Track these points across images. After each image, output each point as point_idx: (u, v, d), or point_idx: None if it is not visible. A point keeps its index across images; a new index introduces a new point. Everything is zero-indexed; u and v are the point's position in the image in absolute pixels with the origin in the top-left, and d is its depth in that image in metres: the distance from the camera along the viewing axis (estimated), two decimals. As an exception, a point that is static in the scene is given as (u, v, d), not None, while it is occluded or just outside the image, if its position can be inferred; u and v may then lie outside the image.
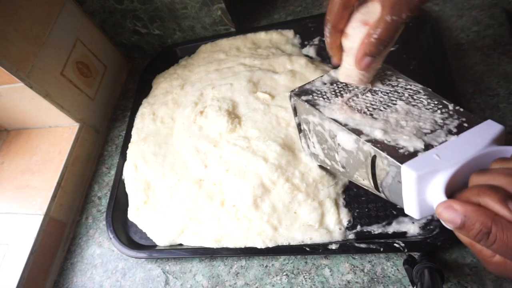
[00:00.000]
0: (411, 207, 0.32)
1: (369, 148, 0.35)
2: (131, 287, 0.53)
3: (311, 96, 0.41)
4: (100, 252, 0.58)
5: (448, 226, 0.27)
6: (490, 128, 0.31)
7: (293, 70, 0.60)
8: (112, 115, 0.76)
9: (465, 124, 0.33)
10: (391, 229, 0.45)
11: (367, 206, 0.48)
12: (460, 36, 0.58)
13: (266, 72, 0.61)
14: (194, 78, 0.67)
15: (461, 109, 0.34)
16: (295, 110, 0.44)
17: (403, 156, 0.32)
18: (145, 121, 0.65)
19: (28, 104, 0.63)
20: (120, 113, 0.75)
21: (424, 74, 0.55)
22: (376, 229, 0.46)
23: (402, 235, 0.45)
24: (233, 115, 0.57)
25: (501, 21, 0.56)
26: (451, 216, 0.26)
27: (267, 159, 0.51)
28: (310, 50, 0.65)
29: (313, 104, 0.40)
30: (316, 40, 0.66)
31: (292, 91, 0.42)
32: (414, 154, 0.32)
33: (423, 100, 0.36)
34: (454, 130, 0.33)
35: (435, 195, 0.29)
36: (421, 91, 0.37)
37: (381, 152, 0.33)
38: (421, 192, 0.30)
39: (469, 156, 0.29)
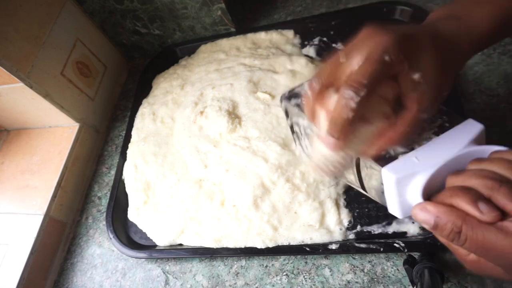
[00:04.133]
0: (393, 207, 0.33)
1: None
2: (131, 287, 0.53)
3: (300, 99, 0.42)
4: (100, 252, 0.58)
5: (425, 226, 0.28)
6: (470, 128, 0.32)
7: (293, 70, 0.60)
8: (112, 115, 0.76)
9: (447, 124, 0.34)
10: (391, 229, 0.45)
11: (367, 206, 0.48)
12: (460, 36, 0.58)
13: (266, 72, 0.61)
14: (194, 78, 0.67)
15: (444, 108, 0.35)
16: (286, 113, 0.45)
17: (384, 159, 0.33)
18: (145, 121, 0.65)
19: (28, 104, 0.63)
20: (120, 113, 0.75)
21: (424, 74, 0.55)
22: (376, 229, 0.46)
23: (402, 235, 0.45)
24: (233, 115, 0.57)
25: (501, 21, 0.56)
26: (425, 217, 0.27)
27: (267, 159, 0.51)
28: (310, 50, 0.65)
29: (302, 109, 0.41)
30: (316, 40, 0.66)
31: (282, 95, 0.43)
32: (394, 157, 0.33)
33: None
34: (436, 130, 0.33)
35: (414, 196, 0.30)
36: None
37: None
38: (401, 194, 0.31)
39: (447, 158, 0.30)
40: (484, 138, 0.33)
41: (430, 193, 0.30)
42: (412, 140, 0.33)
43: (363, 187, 0.39)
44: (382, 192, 0.34)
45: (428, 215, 0.27)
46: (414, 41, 0.29)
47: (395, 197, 0.32)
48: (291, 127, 0.47)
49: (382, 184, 0.33)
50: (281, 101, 0.44)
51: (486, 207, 0.25)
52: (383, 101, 0.31)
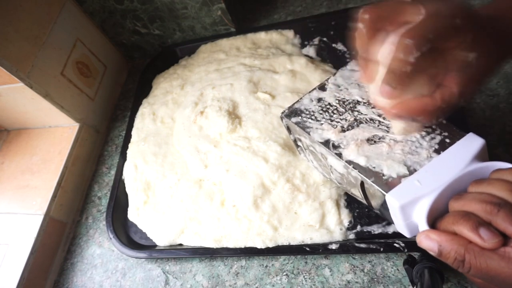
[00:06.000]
0: (401, 229, 0.33)
1: (356, 174, 0.35)
2: (131, 287, 0.53)
3: (300, 117, 0.41)
4: (100, 252, 0.58)
5: (431, 253, 0.28)
6: (471, 144, 0.32)
7: (293, 70, 0.60)
8: (112, 115, 0.76)
9: (447, 140, 0.33)
10: (391, 229, 0.45)
11: (367, 206, 0.48)
12: (460, 36, 0.58)
13: (266, 72, 0.61)
14: (194, 78, 0.67)
15: (444, 122, 0.35)
16: (288, 129, 0.45)
17: (387, 184, 0.33)
18: (145, 121, 0.65)
19: (28, 104, 0.63)
20: (120, 113, 0.75)
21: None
22: (376, 229, 0.46)
23: (402, 235, 0.44)
24: (234, 115, 0.57)
25: (501, 21, 0.56)
26: (429, 245, 0.28)
27: (267, 160, 0.51)
28: (310, 50, 0.65)
29: (303, 127, 0.41)
30: (316, 40, 0.66)
31: (282, 112, 0.43)
32: (397, 180, 0.32)
33: None
34: (436, 148, 0.33)
35: (419, 220, 0.30)
36: None
37: (367, 179, 0.34)
38: (407, 217, 0.31)
39: (450, 179, 0.30)
40: (487, 152, 0.32)
41: (436, 214, 0.30)
42: (413, 160, 0.33)
43: (370, 206, 0.39)
44: (389, 214, 0.34)
45: (432, 244, 0.28)
46: (480, 20, 0.27)
47: (401, 221, 0.32)
48: (295, 141, 0.47)
49: (387, 206, 0.33)
50: (281, 118, 0.44)
51: (487, 234, 0.25)
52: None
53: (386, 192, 0.32)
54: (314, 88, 0.43)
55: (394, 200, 0.31)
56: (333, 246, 0.45)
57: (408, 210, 0.31)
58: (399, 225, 0.33)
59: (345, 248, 0.44)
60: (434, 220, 0.30)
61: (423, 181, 0.31)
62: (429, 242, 0.28)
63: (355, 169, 0.35)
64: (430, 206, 0.30)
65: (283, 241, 0.47)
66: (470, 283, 0.41)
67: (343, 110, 0.40)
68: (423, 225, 0.30)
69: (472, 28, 0.27)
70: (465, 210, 0.27)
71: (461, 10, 0.27)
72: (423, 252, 0.42)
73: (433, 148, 0.33)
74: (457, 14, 0.26)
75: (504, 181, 0.27)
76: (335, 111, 0.40)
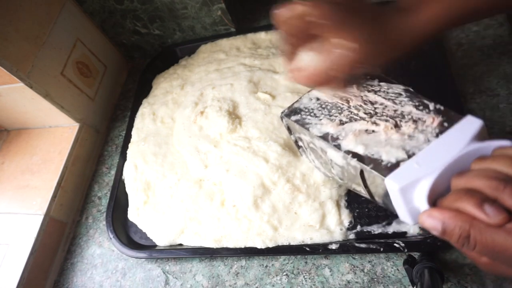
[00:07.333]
0: (403, 215, 0.33)
1: (355, 163, 0.36)
2: (131, 287, 0.53)
3: (299, 115, 0.42)
4: (100, 252, 0.58)
5: (434, 233, 0.28)
6: (470, 125, 0.32)
7: (293, 70, 0.60)
8: (112, 115, 0.76)
9: (445, 124, 0.33)
10: (391, 229, 0.45)
11: (367, 206, 0.48)
12: (460, 36, 0.58)
13: (267, 72, 0.61)
14: (194, 78, 0.67)
15: (442, 108, 0.35)
16: (289, 129, 0.45)
17: (386, 168, 0.33)
18: (145, 121, 0.65)
19: (28, 104, 0.63)
20: (120, 113, 0.75)
21: (424, 74, 0.55)
22: (376, 229, 0.46)
23: (402, 235, 0.45)
24: (234, 116, 0.57)
25: (501, 21, 0.56)
26: (432, 223, 0.27)
27: (267, 160, 0.51)
28: (310, 50, 0.65)
29: (302, 124, 0.41)
30: (316, 40, 0.66)
31: (282, 112, 0.44)
32: (396, 164, 0.32)
33: (405, 104, 0.37)
34: (435, 131, 0.33)
35: (421, 202, 0.30)
36: (402, 93, 0.38)
37: (366, 166, 0.34)
38: (408, 201, 0.31)
39: (449, 160, 0.30)
40: (486, 133, 0.32)
41: (438, 196, 0.30)
42: (412, 145, 0.33)
43: (372, 197, 0.39)
44: (390, 201, 0.33)
45: (435, 222, 0.27)
46: (354, 16, 0.33)
47: (403, 205, 0.32)
48: (295, 142, 0.47)
49: (388, 193, 0.33)
50: (281, 118, 0.44)
51: (492, 210, 0.24)
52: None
53: (385, 177, 0.32)
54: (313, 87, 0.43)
55: (393, 183, 0.31)
56: (333, 246, 0.45)
57: (409, 193, 0.31)
58: (401, 212, 0.33)
59: (345, 248, 0.45)
60: (436, 202, 0.29)
61: (422, 163, 0.31)
62: (432, 220, 0.27)
63: (354, 158, 0.35)
64: (430, 187, 0.29)
65: (283, 241, 0.47)
66: (470, 283, 0.41)
67: (342, 105, 0.40)
68: (424, 206, 0.29)
69: (335, 21, 0.33)
70: (469, 187, 0.27)
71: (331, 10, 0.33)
72: (423, 252, 0.42)
73: (432, 132, 0.33)
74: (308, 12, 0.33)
75: (509, 157, 0.26)
76: (333, 107, 0.40)
